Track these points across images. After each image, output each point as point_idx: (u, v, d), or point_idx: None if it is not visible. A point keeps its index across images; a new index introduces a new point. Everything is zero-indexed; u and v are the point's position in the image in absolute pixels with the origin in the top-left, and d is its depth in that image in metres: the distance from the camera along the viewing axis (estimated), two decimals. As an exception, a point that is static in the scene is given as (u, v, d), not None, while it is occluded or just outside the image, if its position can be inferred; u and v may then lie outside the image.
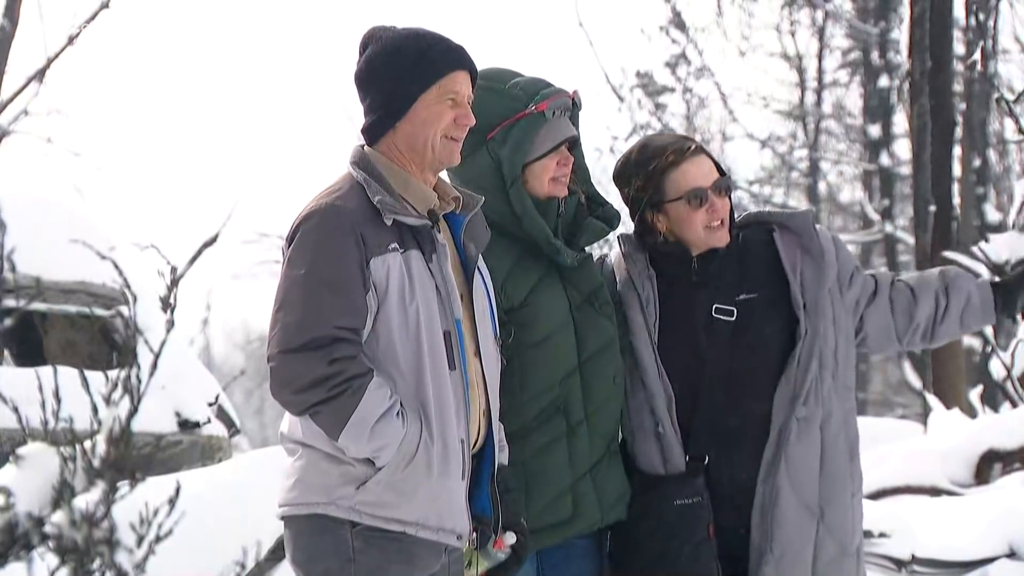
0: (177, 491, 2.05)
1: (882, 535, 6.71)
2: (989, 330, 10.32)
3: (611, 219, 3.65)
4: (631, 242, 3.74)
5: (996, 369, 10.25)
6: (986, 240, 9.60)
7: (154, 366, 2.07)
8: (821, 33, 24.46)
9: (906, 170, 20.59)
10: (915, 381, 17.75)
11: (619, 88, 22.88)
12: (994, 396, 15.19)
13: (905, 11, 18.51)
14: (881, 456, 9.01)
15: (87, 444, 2.07)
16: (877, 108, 23.07)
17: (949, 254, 12.17)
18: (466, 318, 3.25)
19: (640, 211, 3.67)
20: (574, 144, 3.60)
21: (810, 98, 24.98)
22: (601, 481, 3.53)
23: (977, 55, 14.41)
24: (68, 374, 2.30)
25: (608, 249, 3.97)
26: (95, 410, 2.13)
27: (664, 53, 24.18)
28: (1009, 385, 9.63)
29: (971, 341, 18.58)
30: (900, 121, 22.75)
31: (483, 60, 3.35)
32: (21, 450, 2.08)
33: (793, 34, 24.58)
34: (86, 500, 2.02)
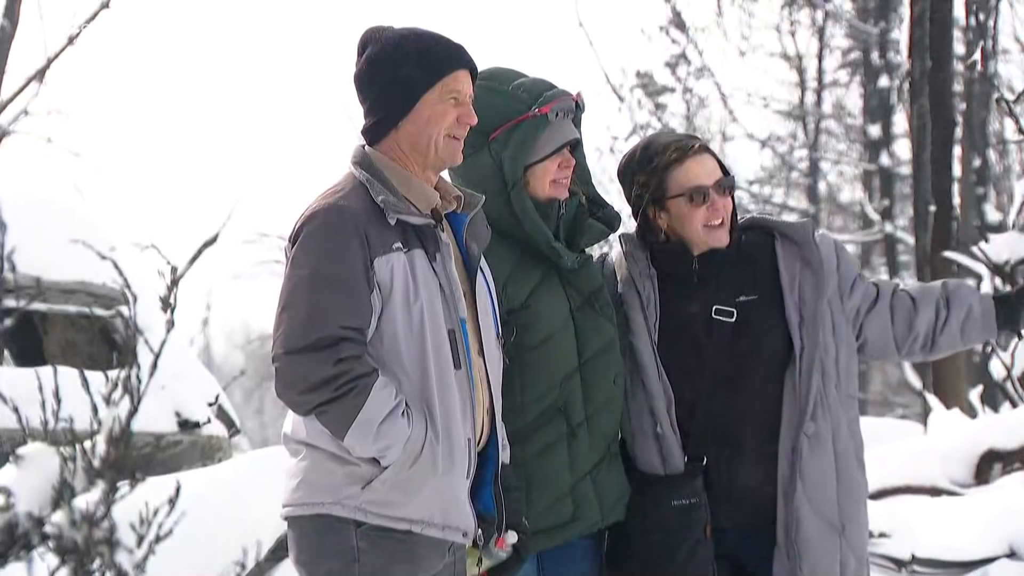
0: (177, 491, 2.05)
1: (882, 535, 6.71)
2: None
3: (611, 221, 3.65)
4: (632, 241, 3.74)
5: (996, 369, 10.24)
6: (986, 240, 9.59)
7: (154, 366, 2.07)
8: (821, 33, 24.47)
9: (906, 170, 20.59)
10: (915, 381, 17.74)
11: (619, 88, 22.89)
12: (994, 396, 15.18)
13: (905, 11, 18.51)
14: (881, 456, 9.00)
15: (87, 444, 2.07)
16: (877, 108, 23.08)
17: (949, 254, 12.18)
18: (470, 317, 3.25)
19: (642, 207, 3.68)
20: (576, 146, 3.60)
21: (810, 98, 24.99)
22: (601, 482, 3.53)
23: (977, 55, 14.44)
24: (68, 374, 2.30)
25: (609, 248, 3.97)
26: (95, 410, 2.13)
27: (664, 53, 24.21)
28: (1009, 385, 9.62)
29: (971, 341, 18.57)
30: (900, 121, 22.77)
31: (483, 60, 3.35)
32: (21, 450, 2.08)
33: (793, 34, 24.59)
34: (86, 500, 2.02)
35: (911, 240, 17.15)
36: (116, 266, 2.13)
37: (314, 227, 3.12)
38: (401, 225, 3.16)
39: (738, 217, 3.74)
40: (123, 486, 2.03)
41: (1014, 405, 9.78)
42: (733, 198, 3.71)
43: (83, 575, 1.95)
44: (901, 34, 21.50)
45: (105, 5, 11.72)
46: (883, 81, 22.93)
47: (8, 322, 2.02)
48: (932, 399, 11.26)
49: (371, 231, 3.11)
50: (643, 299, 3.66)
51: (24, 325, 7.78)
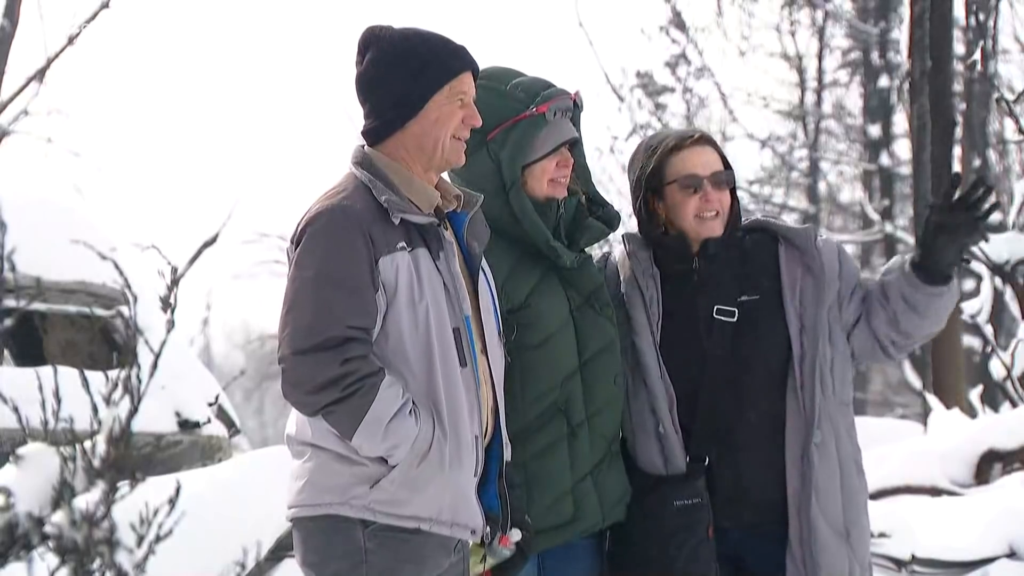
0: (177, 491, 2.05)
1: (882, 535, 6.71)
2: (989, 330, 10.32)
3: (611, 220, 3.65)
4: (635, 240, 3.74)
5: (996, 369, 10.25)
6: (986, 240, 9.59)
7: (154, 366, 2.07)
8: (821, 33, 24.46)
9: (906, 170, 20.59)
10: (915, 381, 17.74)
11: (619, 88, 22.86)
12: (994, 396, 15.19)
13: (905, 11, 18.50)
14: (881, 456, 9.00)
15: (87, 444, 2.07)
16: (877, 108, 23.08)
17: (949, 254, 12.16)
18: (473, 316, 3.26)
19: (642, 195, 3.68)
20: (575, 145, 3.60)
21: (810, 98, 24.98)
22: (602, 482, 3.53)
23: (977, 55, 14.43)
24: (68, 374, 2.30)
25: (610, 248, 3.97)
26: (95, 410, 2.13)
27: (664, 53, 24.19)
28: (1009, 385, 9.63)
29: (971, 341, 18.59)
30: (900, 121, 22.77)
31: (483, 60, 3.35)
32: (21, 450, 2.08)
33: (793, 34, 24.59)
34: (86, 500, 2.02)
35: (911, 240, 17.15)
36: (116, 266, 2.13)
37: (318, 228, 3.13)
38: (404, 224, 3.17)
39: (741, 215, 3.73)
40: (123, 486, 2.03)
41: (1014, 405, 9.79)
42: (734, 194, 3.71)
43: (83, 575, 1.95)
44: (901, 34, 21.50)
45: (105, 5, 11.72)
46: (883, 81, 22.94)
47: (8, 322, 2.02)
48: (932, 399, 11.26)
49: (375, 231, 3.12)
50: (646, 298, 3.66)
51: (24, 325, 7.78)
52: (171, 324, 2.16)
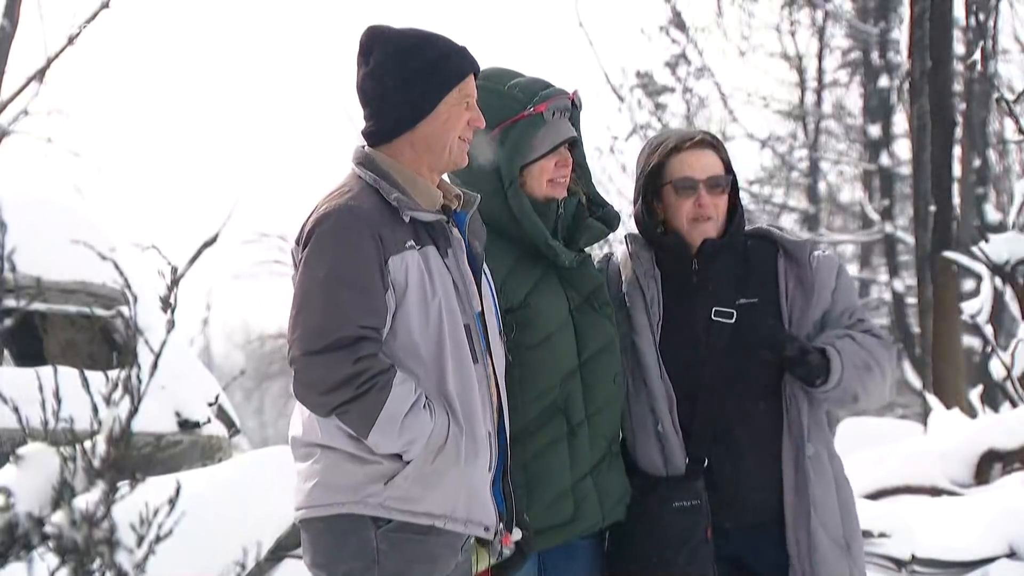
0: (177, 491, 2.05)
1: (882, 535, 6.71)
2: (989, 330, 10.32)
3: (611, 220, 3.65)
4: (637, 241, 3.74)
5: (996, 369, 10.25)
6: (986, 240, 9.60)
7: (154, 366, 2.07)
8: (821, 33, 24.47)
9: (906, 170, 20.59)
10: (915, 381, 17.75)
11: (619, 88, 22.90)
12: (994, 396, 15.19)
13: (905, 11, 18.52)
14: (881, 456, 9.01)
15: (87, 444, 2.07)
16: (877, 108, 23.08)
17: (949, 254, 12.19)
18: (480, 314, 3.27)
19: (643, 193, 3.69)
20: (574, 144, 3.60)
21: (810, 98, 24.99)
22: (602, 482, 3.53)
23: (977, 55, 14.43)
24: (68, 374, 2.30)
25: (610, 248, 3.97)
26: (95, 410, 2.13)
27: (664, 53, 24.21)
28: (1009, 385, 9.63)
29: (971, 341, 18.59)
30: (900, 121, 22.77)
31: (483, 60, 3.36)
32: (21, 450, 2.08)
33: (793, 34, 24.60)
34: (86, 500, 2.02)
35: (911, 240, 17.15)
36: (116, 266, 2.13)
37: (327, 228, 3.12)
38: (413, 223, 3.18)
39: (744, 219, 3.73)
40: (123, 486, 2.03)
41: (1014, 405, 9.79)
42: (734, 196, 3.71)
43: (83, 575, 1.95)
44: (901, 34, 21.51)
45: (105, 5, 11.71)
46: (883, 81, 22.93)
47: (8, 322, 2.02)
48: (932, 399, 11.27)
49: (384, 231, 3.12)
50: (647, 299, 3.66)
51: (24, 325, 7.77)
52: (171, 324, 2.16)
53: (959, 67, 16.42)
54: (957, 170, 17.20)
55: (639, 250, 3.72)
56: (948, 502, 7.76)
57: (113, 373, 2.13)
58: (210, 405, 7.70)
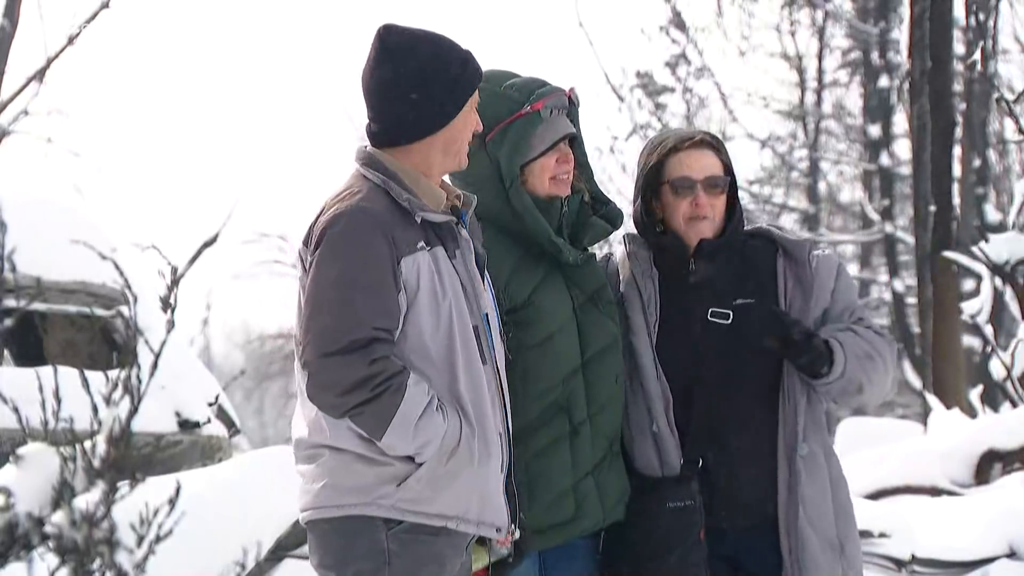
0: (177, 491, 2.05)
1: (882, 535, 6.71)
2: (989, 330, 10.33)
3: (614, 218, 3.65)
4: (636, 241, 3.74)
5: (996, 369, 10.25)
6: (986, 240, 9.60)
7: (154, 366, 2.07)
8: (821, 33, 24.47)
9: (906, 170, 20.59)
10: (915, 381, 17.75)
11: (619, 88, 22.91)
12: (994, 396, 15.20)
13: (905, 11, 18.51)
14: (881, 456, 9.01)
15: (87, 444, 2.07)
16: (877, 108, 23.08)
17: (949, 254, 12.19)
18: None
19: (642, 193, 3.69)
20: (574, 142, 3.60)
21: (810, 98, 24.99)
22: (603, 481, 3.53)
23: (977, 55, 14.43)
24: (68, 374, 2.30)
25: (610, 249, 3.97)
26: (95, 410, 2.13)
27: (664, 53, 24.21)
28: (1009, 385, 9.63)
29: (971, 341, 18.59)
30: (900, 121, 22.77)
31: (483, 60, 3.36)
32: (21, 450, 2.08)
33: (793, 34, 24.60)
34: (86, 500, 2.02)
35: (911, 240, 17.15)
36: (116, 266, 2.13)
37: (339, 229, 3.12)
38: (422, 224, 3.18)
39: (743, 219, 3.73)
40: (123, 486, 2.03)
41: (1014, 405, 9.79)
42: (733, 197, 3.71)
43: (83, 575, 1.95)
44: (901, 34, 21.51)
45: (105, 5, 11.72)
46: (883, 81, 22.93)
47: (8, 322, 2.02)
48: (932, 399, 11.27)
49: (396, 232, 3.12)
50: (644, 299, 3.66)
51: (24, 325, 7.77)
52: (171, 324, 2.16)
53: (959, 67, 16.42)
54: (957, 170, 17.20)
55: (637, 250, 3.72)
56: (948, 502, 7.76)
57: (113, 373, 2.13)
58: (210, 405, 7.70)
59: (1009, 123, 19.19)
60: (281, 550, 5.48)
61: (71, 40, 11.84)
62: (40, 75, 11.94)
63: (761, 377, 3.61)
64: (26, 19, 13.33)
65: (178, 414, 7.54)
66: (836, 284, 3.67)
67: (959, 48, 17.20)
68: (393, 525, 3.11)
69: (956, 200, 15.59)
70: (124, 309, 7.27)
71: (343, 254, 3.10)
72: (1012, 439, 8.57)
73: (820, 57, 24.72)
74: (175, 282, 2.18)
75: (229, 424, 8.28)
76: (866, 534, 6.45)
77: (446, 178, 3.40)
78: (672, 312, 3.66)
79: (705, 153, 3.66)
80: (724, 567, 3.63)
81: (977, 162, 19.72)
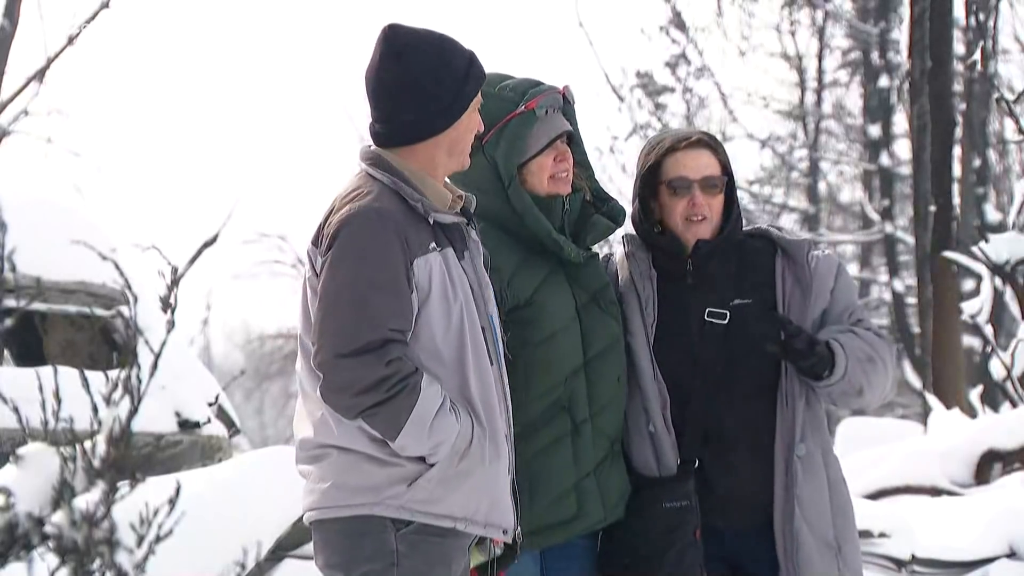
0: (177, 491, 2.06)
1: (882, 535, 6.71)
2: (989, 330, 10.33)
3: (616, 216, 3.65)
4: (635, 242, 3.74)
5: (996, 369, 10.25)
6: (986, 240, 9.60)
7: (154, 366, 2.07)
8: (821, 33, 24.47)
9: (906, 170, 20.59)
10: (915, 381, 17.74)
11: (619, 88, 22.92)
12: (994, 396, 15.21)
13: (905, 11, 18.52)
14: (881, 456, 9.02)
15: (87, 444, 2.07)
16: (877, 108, 23.08)
17: (949, 254, 12.18)
18: None
19: (640, 193, 3.69)
20: (572, 140, 3.60)
21: (810, 98, 24.99)
22: (604, 480, 3.53)
23: (977, 55, 14.42)
24: (68, 374, 2.30)
25: (610, 249, 3.97)
26: (95, 410, 2.13)
27: (664, 53, 24.23)
28: (1009, 385, 9.63)
29: (971, 341, 18.59)
30: (900, 121, 22.77)
31: (484, 61, 3.35)
32: (21, 450, 2.08)
33: (793, 34, 24.60)
34: (86, 500, 2.02)
35: (911, 240, 17.15)
36: (116, 266, 2.13)
37: (353, 230, 3.11)
38: (432, 225, 3.18)
39: (742, 219, 3.73)
40: (123, 486, 2.03)
41: (1014, 405, 9.79)
42: (732, 197, 3.70)
43: (83, 575, 1.95)
44: (901, 34, 21.51)
45: (105, 5, 11.72)
46: (883, 81, 22.93)
47: (8, 322, 2.02)
48: (932, 399, 11.27)
49: (409, 232, 3.12)
50: (642, 300, 3.66)
51: (24, 325, 7.77)
52: (171, 324, 2.16)
53: (959, 67, 16.42)
54: (957, 170, 17.20)
55: (636, 250, 3.72)
56: (948, 502, 7.77)
57: (113, 373, 2.13)
58: (210, 405, 7.70)
59: (1009, 123, 19.19)
60: (281, 550, 5.48)
61: (71, 40, 11.84)
62: (40, 75, 11.94)
63: (758, 378, 3.61)
64: (26, 19, 13.34)
65: (178, 414, 7.53)
66: (836, 284, 3.66)
67: (959, 48, 17.20)
68: (401, 526, 3.10)
69: (956, 200, 15.58)
70: (124, 309, 7.27)
71: (357, 255, 3.09)
72: (1012, 439, 8.58)
73: (820, 57, 24.73)
74: (175, 282, 2.19)
75: (229, 424, 8.28)
76: (866, 534, 6.45)
77: (446, 178, 3.40)
78: (670, 312, 3.66)
79: (702, 153, 3.66)
80: (722, 568, 3.63)
81: (977, 162, 19.73)
